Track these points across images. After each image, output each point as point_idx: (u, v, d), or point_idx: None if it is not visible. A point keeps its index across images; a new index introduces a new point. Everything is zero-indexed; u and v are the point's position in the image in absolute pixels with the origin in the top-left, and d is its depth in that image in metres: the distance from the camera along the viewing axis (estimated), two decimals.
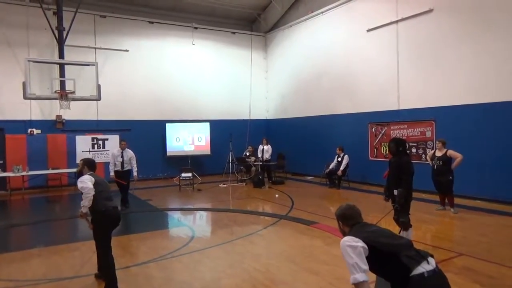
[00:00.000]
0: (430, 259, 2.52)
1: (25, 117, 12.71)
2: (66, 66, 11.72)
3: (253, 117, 16.86)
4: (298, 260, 5.36)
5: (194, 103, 15.55)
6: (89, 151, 13.71)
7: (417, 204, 9.24)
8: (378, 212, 8.34)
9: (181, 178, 12.14)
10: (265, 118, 17.40)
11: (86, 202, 4.40)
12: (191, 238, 6.69)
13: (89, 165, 4.80)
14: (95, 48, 13.59)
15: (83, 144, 13.61)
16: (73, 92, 10.61)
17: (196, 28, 15.65)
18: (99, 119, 13.83)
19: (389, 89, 11.46)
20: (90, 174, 4.62)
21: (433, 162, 8.42)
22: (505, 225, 7.12)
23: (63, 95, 10.34)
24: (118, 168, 9.38)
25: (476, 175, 9.12)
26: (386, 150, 11.71)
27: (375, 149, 12.13)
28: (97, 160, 13.40)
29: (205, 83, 15.84)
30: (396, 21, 11.09)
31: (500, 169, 8.77)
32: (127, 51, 14.21)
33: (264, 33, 17.26)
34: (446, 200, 8.41)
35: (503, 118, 8.68)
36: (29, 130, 12.68)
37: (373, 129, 12.17)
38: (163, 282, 4.67)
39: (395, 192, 5.46)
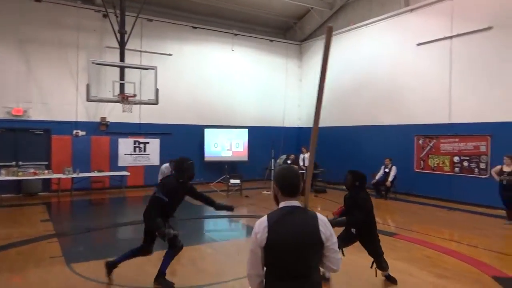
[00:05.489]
0: None
1: (71, 118, 12.66)
2: (115, 69, 11.70)
3: (286, 125, 16.97)
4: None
5: (232, 109, 15.61)
6: (131, 154, 13.68)
7: (485, 219, 9.37)
8: (426, 223, 8.51)
9: (230, 184, 12.17)
10: (297, 126, 17.49)
11: None
12: None
13: None
14: (140, 51, 13.60)
15: (125, 147, 13.58)
16: (135, 95, 10.61)
17: (236, 34, 15.74)
18: (141, 122, 13.81)
19: (439, 103, 11.62)
20: None
21: (502, 177, 8.55)
22: None
23: (124, 98, 10.32)
24: None
25: None
26: (434, 162, 11.90)
27: (421, 161, 12.27)
28: (137, 163, 13.74)
29: (243, 89, 15.93)
30: (450, 37, 11.29)
31: None
32: (171, 55, 14.24)
33: (299, 42, 17.40)
34: None
35: None
36: (75, 131, 12.63)
37: (420, 141, 12.33)
38: None
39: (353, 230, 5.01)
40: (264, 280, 2.22)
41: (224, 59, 15.53)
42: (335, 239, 2.22)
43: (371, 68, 13.91)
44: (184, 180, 4.86)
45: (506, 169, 8.57)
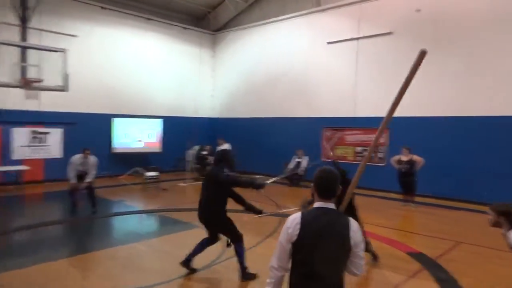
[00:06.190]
0: None
1: None
2: (7, 49, 10.16)
3: (199, 115, 16.85)
4: None
5: (145, 98, 14.90)
6: (28, 146, 12.19)
7: (384, 202, 10.60)
8: None
9: (146, 177, 11.68)
10: (210, 116, 17.46)
11: None
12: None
13: None
14: (40, 29, 12.06)
15: (20, 138, 12.04)
16: (41, 80, 9.38)
17: (148, 19, 14.96)
18: (41, 110, 12.34)
19: (346, 97, 12.74)
20: None
21: (401, 166, 9.80)
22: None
23: (27, 83, 9.06)
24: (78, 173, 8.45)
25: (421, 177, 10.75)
26: (340, 152, 13.05)
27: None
28: (36, 156, 12.38)
29: (156, 77, 15.30)
30: (357, 38, 12.41)
31: (440, 172, 10.53)
32: (76, 36, 12.94)
33: (213, 32, 17.29)
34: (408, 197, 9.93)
35: (453, 130, 10.50)
36: None
37: (327, 133, 13.38)
38: None
39: None
40: (287, 275, 2.32)
41: (136, 45, 14.67)
42: (362, 246, 2.33)
43: (285, 62, 14.53)
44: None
45: (403, 158, 9.85)
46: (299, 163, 12.99)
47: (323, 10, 13.35)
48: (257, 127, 15.42)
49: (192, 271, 5.11)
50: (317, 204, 2.36)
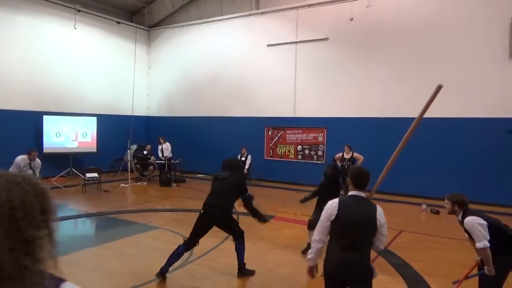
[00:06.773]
0: None
1: None
2: None
3: (135, 113, 16.22)
4: None
5: (78, 94, 13.98)
6: None
7: None
8: (287, 205, 9.93)
9: (86, 178, 11.01)
10: (146, 115, 16.93)
11: None
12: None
13: None
14: None
15: None
16: None
17: (79, 11, 14.04)
18: None
19: (286, 98, 13.31)
20: None
21: (344, 163, 10.55)
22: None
23: None
24: None
25: None
26: (281, 151, 13.59)
27: (271, 150, 13.83)
28: None
29: (90, 73, 14.45)
30: (296, 42, 13.03)
31: (376, 168, 11.57)
32: None
33: (148, 28, 16.77)
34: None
35: (384, 130, 11.54)
36: None
37: (269, 132, 13.84)
38: None
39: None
40: (326, 247, 2.99)
41: (66, 37, 13.69)
42: (386, 226, 2.98)
43: (224, 62, 14.66)
44: None
45: (346, 156, 10.60)
46: (243, 162, 13.21)
47: (263, 13, 13.77)
48: (196, 126, 15.35)
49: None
50: (352, 193, 3.06)
